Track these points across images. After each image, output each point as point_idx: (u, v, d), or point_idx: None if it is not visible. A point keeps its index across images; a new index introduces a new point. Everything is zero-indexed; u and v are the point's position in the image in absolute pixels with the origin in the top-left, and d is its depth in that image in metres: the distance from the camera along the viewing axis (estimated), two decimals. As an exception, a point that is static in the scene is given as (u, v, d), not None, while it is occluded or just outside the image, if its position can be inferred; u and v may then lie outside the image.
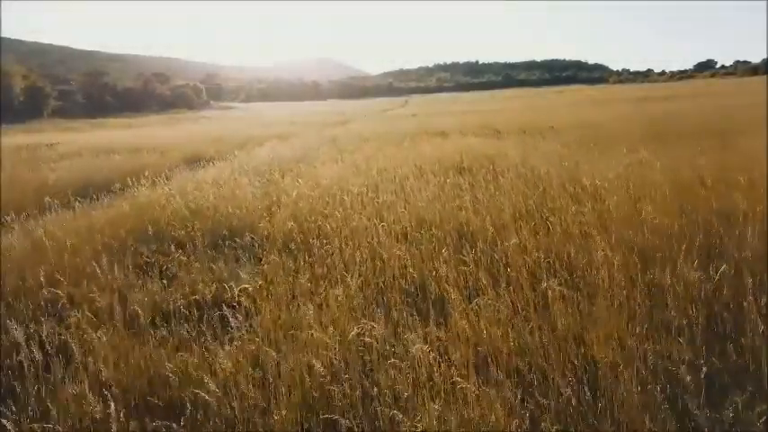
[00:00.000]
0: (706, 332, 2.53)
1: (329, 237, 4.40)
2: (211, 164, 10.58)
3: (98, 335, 2.71)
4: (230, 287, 3.26)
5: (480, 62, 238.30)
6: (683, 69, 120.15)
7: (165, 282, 3.82)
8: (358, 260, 3.66)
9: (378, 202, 5.34)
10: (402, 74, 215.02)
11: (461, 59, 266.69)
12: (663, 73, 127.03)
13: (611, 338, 2.45)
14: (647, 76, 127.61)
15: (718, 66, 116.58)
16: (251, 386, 2.26)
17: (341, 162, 9.40)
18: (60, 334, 2.81)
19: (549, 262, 3.39)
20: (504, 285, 3.14)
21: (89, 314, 3.04)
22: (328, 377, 2.23)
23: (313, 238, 4.36)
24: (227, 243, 4.55)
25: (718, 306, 2.73)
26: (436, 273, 3.38)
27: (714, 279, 2.81)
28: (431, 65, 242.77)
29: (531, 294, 3.03)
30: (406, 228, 4.40)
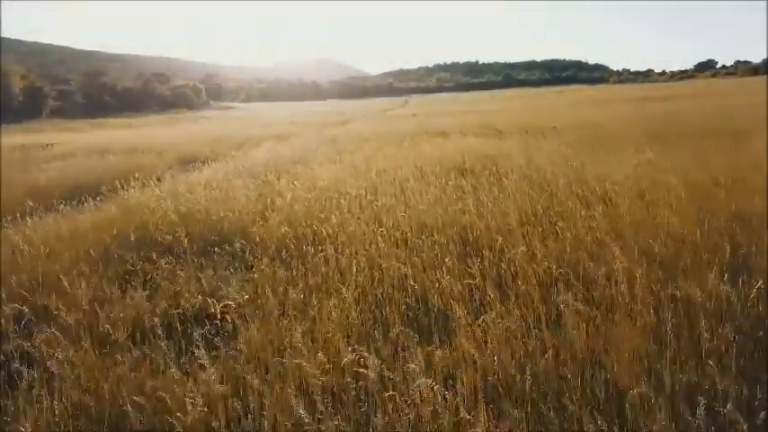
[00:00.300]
0: (743, 356, 2.26)
1: (324, 243, 4.14)
2: (207, 165, 10.32)
3: (64, 357, 2.45)
4: (214, 302, 2.99)
5: (480, 62, 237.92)
6: (683, 69, 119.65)
7: (147, 293, 3.55)
8: (354, 269, 3.39)
9: (376, 206, 5.08)
10: (402, 74, 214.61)
11: (461, 59, 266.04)
12: (663, 73, 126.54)
13: (635, 362, 2.19)
14: (647, 76, 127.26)
15: (718, 66, 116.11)
16: (230, 424, 2.00)
17: (339, 163, 9.15)
18: (23, 355, 2.55)
19: (560, 272, 3.12)
20: (513, 299, 2.87)
21: (57, 332, 2.77)
22: (316, 419, 1.95)
23: (307, 245, 4.10)
24: (216, 249, 4.28)
25: (752, 325, 2.46)
26: (439, 284, 3.11)
27: (749, 295, 2.53)
28: (431, 65, 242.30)
29: (543, 308, 2.77)
30: (405, 233, 4.13)
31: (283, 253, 4.11)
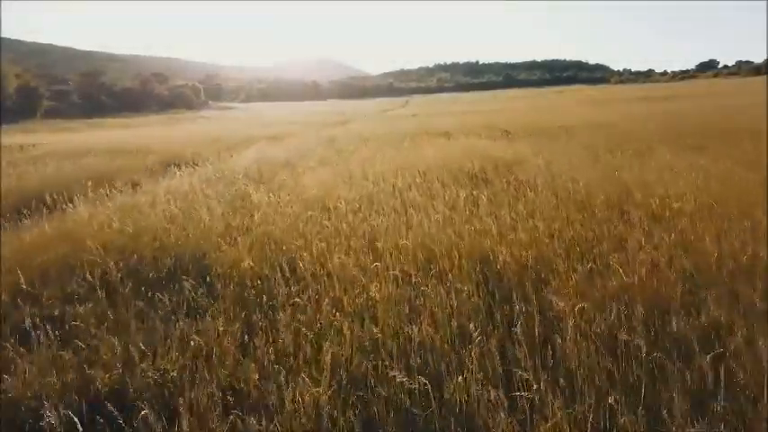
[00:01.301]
0: None
1: (300, 281, 3.12)
2: (188, 169, 9.33)
3: None
4: (134, 379, 1.97)
5: (480, 62, 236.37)
6: (685, 69, 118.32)
7: (48, 361, 2.52)
8: (333, 332, 2.36)
9: (371, 226, 4.05)
10: (402, 74, 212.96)
11: (462, 59, 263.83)
12: (665, 73, 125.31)
13: None
14: (648, 76, 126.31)
15: (720, 66, 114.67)
16: None
17: (333, 166, 8.14)
18: None
19: (641, 351, 2.06)
20: (570, 393, 1.85)
21: None
22: None
23: (276, 286, 3.08)
24: (161, 286, 3.26)
25: None
26: (460, 364, 2.07)
27: None
28: (431, 65, 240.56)
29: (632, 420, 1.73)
30: (408, 271, 3.10)
31: (245, 294, 3.09)
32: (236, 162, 9.53)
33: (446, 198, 4.83)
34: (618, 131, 11.61)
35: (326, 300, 2.73)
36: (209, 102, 76.23)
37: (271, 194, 5.18)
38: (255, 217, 4.33)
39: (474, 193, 5.12)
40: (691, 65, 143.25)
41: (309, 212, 4.47)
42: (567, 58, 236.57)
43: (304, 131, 19.85)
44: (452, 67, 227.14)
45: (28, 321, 2.74)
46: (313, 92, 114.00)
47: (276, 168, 8.42)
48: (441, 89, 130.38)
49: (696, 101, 23.56)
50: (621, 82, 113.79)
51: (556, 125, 14.40)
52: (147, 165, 10.55)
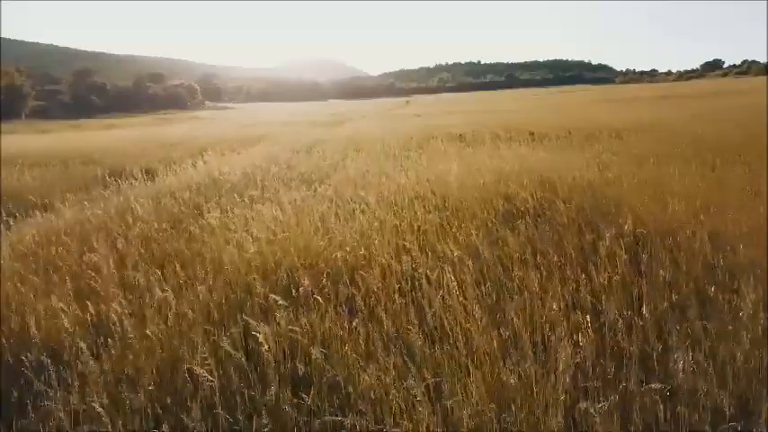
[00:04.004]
0: None
1: None
2: (115, 184, 6.84)
3: None
4: None
5: (482, 62, 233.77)
6: (691, 69, 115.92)
7: None
8: None
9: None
10: (403, 74, 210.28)
11: (463, 59, 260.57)
12: (669, 73, 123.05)
13: None
14: (653, 75, 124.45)
15: (725, 65, 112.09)
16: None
17: (307, 190, 5.61)
18: None
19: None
20: None
21: None
22: None
23: None
24: None
25: None
26: None
27: None
28: (432, 65, 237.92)
29: None
30: None
31: None
32: (178, 179, 6.96)
33: (503, 281, 2.23)
34: (685, 135, 8.92)
35: None
36: (206, 102, 73.75)
37: (157, 272, 2.59)
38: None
39: (563, 266, 2.54)
40: (694, 64, 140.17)
41: (228, 307, 1.90)
42: (570, 58, 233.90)
43: (291, 134, 17.20)
44: (454, 67, 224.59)
45: None
46: (313, 92, 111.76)
47: (223, 192, 5.86)
48: (442, 89, 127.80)
49: (737, 98, 20.87)
50: (626, 82, 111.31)
51: (587, 126, 11.80)
52: (72, 181, 8.03)
